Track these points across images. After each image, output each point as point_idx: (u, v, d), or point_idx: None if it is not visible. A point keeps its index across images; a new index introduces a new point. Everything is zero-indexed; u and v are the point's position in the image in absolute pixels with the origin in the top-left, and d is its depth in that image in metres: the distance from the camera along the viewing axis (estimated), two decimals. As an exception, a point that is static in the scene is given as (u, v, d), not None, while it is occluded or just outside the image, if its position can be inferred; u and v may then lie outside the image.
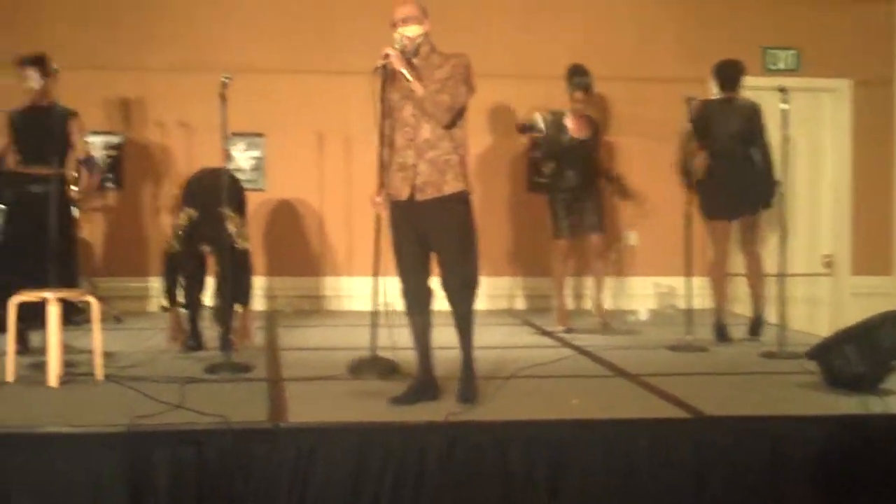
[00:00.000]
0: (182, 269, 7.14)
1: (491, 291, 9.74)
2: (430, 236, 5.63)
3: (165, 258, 7.17)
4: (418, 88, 5.54)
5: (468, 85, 5.62)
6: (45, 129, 6.86)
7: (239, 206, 7.21)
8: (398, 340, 6.25)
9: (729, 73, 8.20)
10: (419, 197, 5.58)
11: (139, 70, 9.50)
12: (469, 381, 5.74)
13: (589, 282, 9.36)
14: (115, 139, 9.63)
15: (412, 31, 5.64)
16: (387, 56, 5.59)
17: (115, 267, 9.47)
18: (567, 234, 8.51)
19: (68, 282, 6.91)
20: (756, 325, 8.06)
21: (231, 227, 6.83)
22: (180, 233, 7.03)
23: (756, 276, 8.17)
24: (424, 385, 5.77)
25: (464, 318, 5.71)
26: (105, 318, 8.39)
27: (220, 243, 6.83)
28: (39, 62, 7.14)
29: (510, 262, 10.02)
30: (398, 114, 5.67)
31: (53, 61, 7.06)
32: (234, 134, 9.49)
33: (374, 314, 6.59)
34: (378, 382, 6.13)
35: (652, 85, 9.93)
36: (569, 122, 8.55)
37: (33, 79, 7.16)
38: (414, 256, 5.68)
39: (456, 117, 5.62)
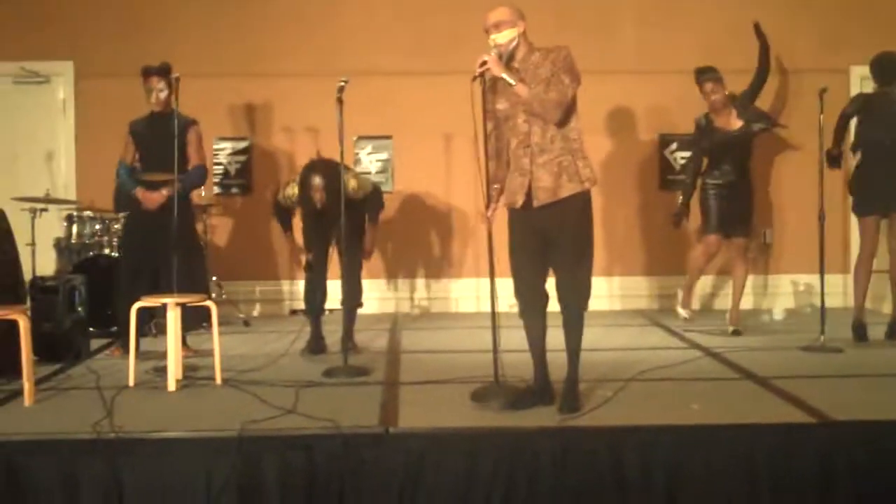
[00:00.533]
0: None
1: (622, 291, 9.59)
2: (548, 240, 5.49)
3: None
4: (523, 91, 5.38)
5: (572, 75, 5.42)
6: (166, 137, 6.93)
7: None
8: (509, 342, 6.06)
9: (887, 66, 7.86)
10: (535, 203, 5.44)
11: (265, 76, 9.60)
12: (571, 391, 5.58)
13: (728, 284, 9.07)
14: (242, 144, 9.73)
15: (504, 36, 5.46)
16: (484, 64, 5.41)
17: (243, 271, 9.58)
18: (717, 230, 8.26)
19: (194, 286, 6.96)
20: (895, 328, 7.71)
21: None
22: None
23: None
24: (540, 390, 5.64)
25: (572, 323, 5.56)
26: (233, 322, 8.61)
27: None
28: (165, 72, 7.22)
29: (642, 262, 9.81)
30: (512, 122, 5.51)
31: (175, 69, 7.12)
32: (361, 137, 9.60)
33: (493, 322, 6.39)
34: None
35: (789, 77, 9.60)
36: (715, 118, 8.30)
37: (159, 89, 7.24)
38: (530, 260, 5.53)
39: (567, 113, 5.44)
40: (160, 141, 7.05)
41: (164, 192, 7.06)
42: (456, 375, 6.35)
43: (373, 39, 9.66)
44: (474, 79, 5.49)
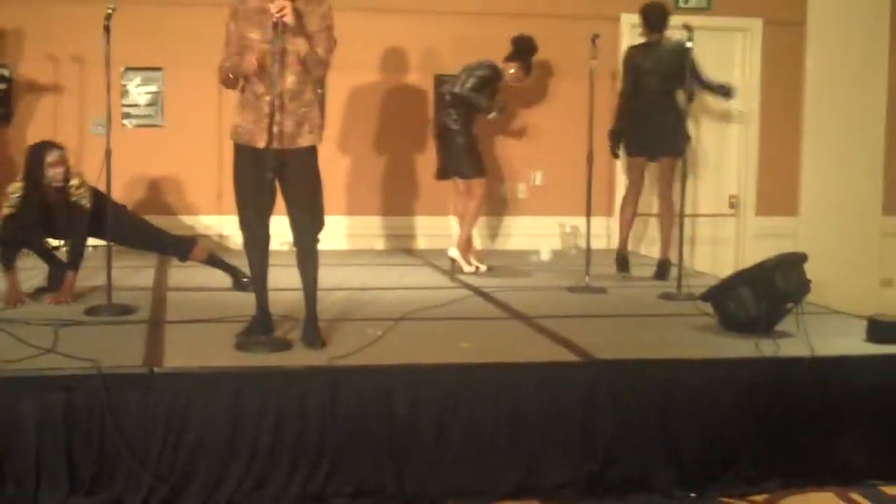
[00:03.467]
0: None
1: (388, 231, 9.65)
2: (280, 179, 5.47)
3: None
4: (304, 47, 5.36)
5: (333, 38, 5.51)
6: None
7: None
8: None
9: (656, 15, 8.13)
10: (274, 145, 5.37)
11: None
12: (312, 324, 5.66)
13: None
14: (3, 72, 9.25)
15: None
16: (282, 10, 5.21)
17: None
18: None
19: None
20: (662, 268, 8.01)
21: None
22: None
23: (667, 220, 8.11)
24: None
25: (308, 257, 5.64)
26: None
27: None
28: None
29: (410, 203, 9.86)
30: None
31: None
32: (129, 68, 9.27)
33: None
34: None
35: (560, 23, 9.74)
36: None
37: None
38: (258, 193, 5.49)
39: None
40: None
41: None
42: (223, 314, 6.23)
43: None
44: (275, 26, 5.27)
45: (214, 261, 7.37)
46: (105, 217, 6.54)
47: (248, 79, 5.48)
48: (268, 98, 5.36)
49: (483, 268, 8.26)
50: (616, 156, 8.54)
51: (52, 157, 6.57)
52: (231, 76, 5.52)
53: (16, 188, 6.63)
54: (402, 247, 9.61)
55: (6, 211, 6.63)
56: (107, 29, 6.34)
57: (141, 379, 4.88)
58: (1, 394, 4.74)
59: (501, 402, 5.11)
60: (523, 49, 8.52)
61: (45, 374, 4.84)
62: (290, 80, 5.41)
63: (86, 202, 6.66)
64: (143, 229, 7.23)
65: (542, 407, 5.14)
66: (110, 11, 6.30)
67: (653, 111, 8.06)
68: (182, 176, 9.45)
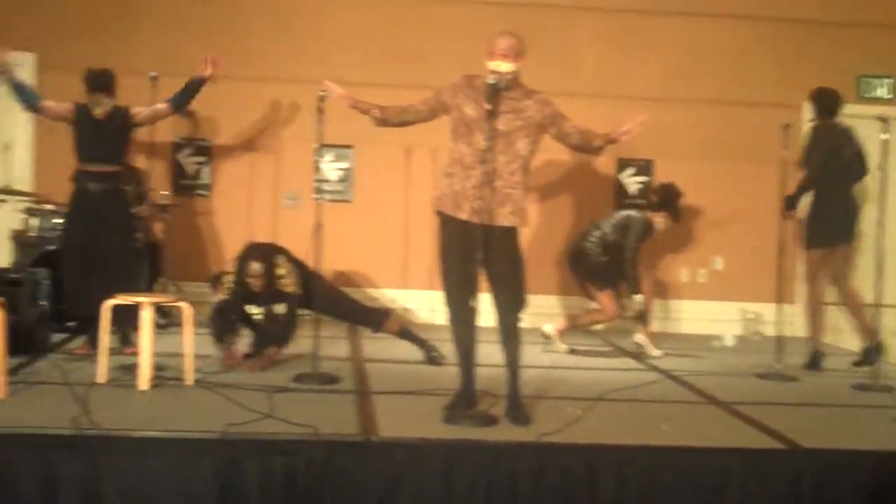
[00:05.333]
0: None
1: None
2: (483, 254, 5.58)
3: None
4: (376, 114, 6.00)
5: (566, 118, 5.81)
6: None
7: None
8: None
9: (830, 101, 8.04)
10: (475, 219, 5.55)
11: (230, 79, 9.54)
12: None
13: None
14: (203, 145, 9.71)
15: (508, 66, 5.59)
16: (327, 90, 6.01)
17: (200, 272, 9.54)
18: None
19: (129, 285, 6.90)
20: (869, 354, 7.85)
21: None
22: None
23: (857, 307, 7.99)
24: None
25: (510, 335, 5.76)
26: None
27: None
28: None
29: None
30: (480, 135, 5.60)
31: (138, 68, 7.07)
32: (323, 145, 9.60)
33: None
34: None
35: (745, 109, 9.82)
36: None
37: (103, 103, 7.22)
38: (462, 267, 5.62)
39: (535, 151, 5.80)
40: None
41: None
42: (424, 387, 6.42)
43: (340, 49, 9.70)
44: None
45: (406, 333, 7.57)
46: (311, 290, 6.87)
47: (457, 148, 5.70)
48: (475, 172, 5.55)
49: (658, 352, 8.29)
50: (788, 217, 8.35)
51: (251, 270, 6.95)
52: (379, 115, 6.00)
53: (228, 280, 7.05)
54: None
55: (220, 296, 7.06)
56: (319, 110, 6.65)
57: (358, 447, 5.06)
58: (224, 455, 4.95)
59: (705, 486, 5.13)
60: (669, 197, 8.55)
61: (268, 439, 5.05)
62: (500, 159, 5.59)
63: (293, 289, 6.99)
64: (343, 300, 7.54)
65: (746, 493, 5.14)
66: (323, 94, 6.60)
67: (829, 199, 7.93)
68: (369, 250, 9.72)
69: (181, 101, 7.47)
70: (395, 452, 5.04)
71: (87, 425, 5.01)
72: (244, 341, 7.27)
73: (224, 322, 7.05)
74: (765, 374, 7.46)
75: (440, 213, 5.78)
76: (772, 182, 7.92)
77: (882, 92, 10.19)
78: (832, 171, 7.89)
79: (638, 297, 8.17)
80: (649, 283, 8.54)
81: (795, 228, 8.25)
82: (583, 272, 8.44)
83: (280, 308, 7.08)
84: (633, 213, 8.42)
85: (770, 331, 8.02)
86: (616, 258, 8.22)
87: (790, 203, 8.00)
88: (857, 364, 7.84)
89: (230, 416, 5.34)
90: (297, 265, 7.09)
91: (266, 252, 7.07)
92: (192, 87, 7.48)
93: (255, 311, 7.32)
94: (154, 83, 6.95)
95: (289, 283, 6.99)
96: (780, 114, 8.35)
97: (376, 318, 7.62)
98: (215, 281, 7.21)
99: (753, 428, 5.78)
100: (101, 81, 7.22)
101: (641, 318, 8.32)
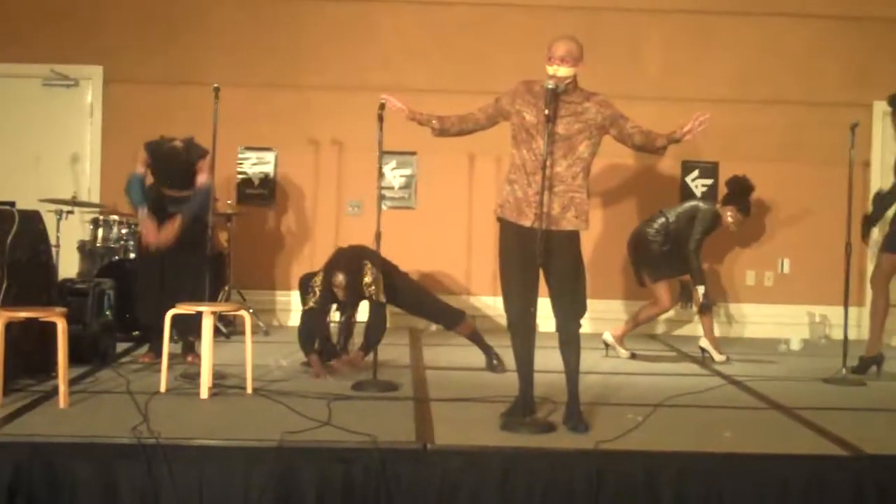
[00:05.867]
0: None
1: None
2: (543, 260, 5.54)
3: None
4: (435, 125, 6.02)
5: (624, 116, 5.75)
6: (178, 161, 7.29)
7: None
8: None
9: None
10: (535, 225, 5.52)
11: (293, 87, 9.69)
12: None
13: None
14: (267, 155, 9.79)
15: (566, 71, 5.55)
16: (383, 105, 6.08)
17: (264, 280, 9.65)
18: None
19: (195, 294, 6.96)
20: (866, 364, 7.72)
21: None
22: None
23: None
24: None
25: (571, 341, 5.73)
26: (253, 332, 8.64)
27: None
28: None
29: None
30: (541, 140, 5.54)
31: (203, 78, 7.16)
32: (386, 152, 9.64)
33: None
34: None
35: (813, 109, 9.70)
36: None
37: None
38: (522, 274, 5.60)
39: (594, 154, 5.75)
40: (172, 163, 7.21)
41: (169, 231, 7.12)
42: (483, 394, 6.42)
43: (400, 56, 9.76)
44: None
45: (476, 338, 7.58)
46: (395, 289, 7.25)
47: (518, 155, 5.69)
48: (537, 178, 5.54)
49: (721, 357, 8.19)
50: (866, 243, 8.29)
51: (336, 281, 7.04)
52: (438, 126, 5.99)
53: (317, 282, 7.13)
54: (644, 332, 9.61)
55: (309, 305, 7.15)
56: (380, 118, 6.72)
57: (415, 454, 5.06)
58: (284, 463, 4.98)
59: (767, 494, 5.06)
60: (740, 191, 8.43)
61: (326, 447, 5.08)
62: (561, 164, 5.57)
63: (379, 296, 7.07)
64: (426, 298, 7.70)
65: (808, 500, 5.06)
66: (384, 101, 6.61)
67: None
68: (433, 256, 9.74)
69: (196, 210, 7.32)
70: (451, 460, 5.04)
71: (146, 434, 5.06)
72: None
73: (309, 331, 7.14)
74: (830, 379, 7.35)
75: (502, 220, 5.78)
76: (840, 183, 7.79)
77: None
78: None
79: (702, 289, 8.09)
80: None
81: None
82: (641, 259, 8.37)
83: (366, 315, 7.13)
84: (701, 203, 8.34)
85: (837, 334, 7.87)
86: (676, 248, 8.14)
87: (870, 223, 7.90)
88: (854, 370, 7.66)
89: (289, 424, 5.37)
90: (384, 267, 7.18)
91: (352, 260, 7.14)
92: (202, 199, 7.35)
93: (340, 318, 7.38)
94: (216, 94, 7.00)
95: (375, 290, 7.05)
96: (850, 113, 8.26)
97: (454, 318, 7.64)
98: (303, 289, 7.29)
99: (816, 434, 5.69)
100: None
101: (706, 309, 8.22)
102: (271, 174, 9.81)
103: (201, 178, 7.25)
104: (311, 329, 7.15)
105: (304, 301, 7.25)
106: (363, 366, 6.98)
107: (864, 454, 5.23)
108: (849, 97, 9.60)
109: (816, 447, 5.42)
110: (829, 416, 6.12)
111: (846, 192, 7.59)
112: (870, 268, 9.37)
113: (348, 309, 7.20)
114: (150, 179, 7.39)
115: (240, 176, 9.77)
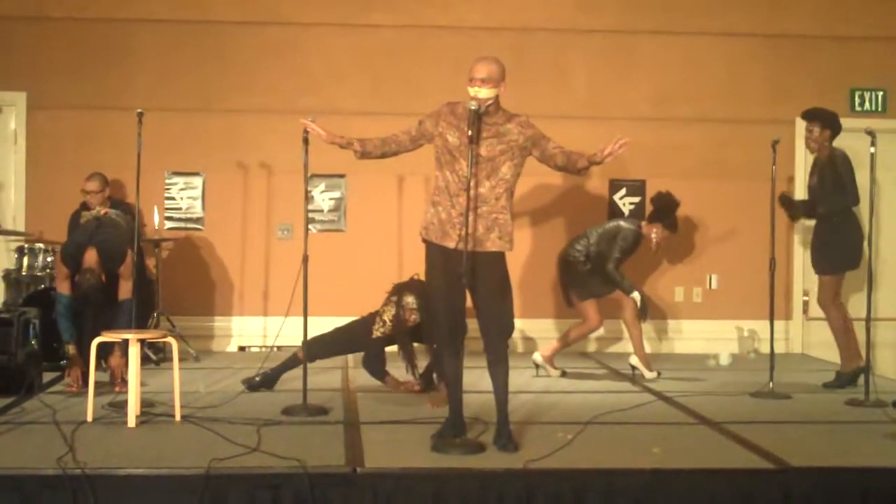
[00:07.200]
0: None
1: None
2: (468, 281, 5.55)
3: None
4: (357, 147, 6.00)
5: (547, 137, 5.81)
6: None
7: None
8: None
9: (839, 124, 7.91)
10: (459, 247, 5.54)
11: (220, 111, 9.64)
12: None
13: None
14: (195, 180, 9.73)
15: (486, 93, 5.58)
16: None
17: (193, 306, 9.56)
18: None
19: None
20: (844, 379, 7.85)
21: None
22: None
23: (850, 329, 7.89)
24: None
25: (499, 361, 5.73)
26: (184, 357, 8.57)
27: None
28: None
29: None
30: (464, 162, 5.60)
31: (129, 103, 7.12)
32: (314, 175, 9.64)
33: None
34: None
35: (737, 126, 9.83)
36: None
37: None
38: (449, 294, 5.65)
39: (519, 174, 5.81)
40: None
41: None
42: (413, 416, 6.41)
43: (327, 79, 9.74)
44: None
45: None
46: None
47: (442, 176, 5.71)
48: (461, 199, 5.55)
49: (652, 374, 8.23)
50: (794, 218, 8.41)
51: (406, 302, 7.27)
52: (359, 149, 5.99)
53: (388, 316, 7.29)
54: (576, 350, 9.64)
55: (378, 333, 7.23)
56: (305, 141, 6.69)
57: (345, 478, 5.06)
58: (212, 491, 4.95)
59: (696, 510, 5.12)
60: (665, 207, 8.44)
61: (254, 473, 5.04)
62: (485, 185, 5.60)
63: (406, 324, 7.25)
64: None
65: (736, 514, 5.13)
66: (313, 120, 6.58)
67: (849, 225, 7.84)
68: (364, 278, 9.69)
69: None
70: (382, 483, 5.04)
71: (71, 465, 5.00)
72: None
73: (377, 357, 7.26)
74: (757, 393, 7.43)
75: (427, 242, 5.79)
76: (764, 199, 7.92)
77: (873, 105, 10.15)
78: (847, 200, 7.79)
79: (636, 295, 8.14)
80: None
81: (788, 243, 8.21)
82: (568, 280, 8.40)
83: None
84: (623, 223, 8.36)
85: (767, 348, 7.96)
86: (600, 268, 8.18)
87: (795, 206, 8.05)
88: (827, 385, 7.83)
89: (217, 451, 5.33)
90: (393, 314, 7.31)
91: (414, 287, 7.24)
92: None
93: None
94: (140, 119, 6.95)
95: (415, 319, 7.18)
96: (773, 130, 8.35)
97: None
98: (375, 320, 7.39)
99: (744, 448, 5.76)
100: None
101: (644, 313, 8.24)
102: (199, 199, 9.74)
103: (124, 291, 7.08)
104: (380, 356, 7.25)
105: (371, 332, 7.28)
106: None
107: (790, 466, 5.31)
108: (771, 114, 9.74)
109: (744, 461, 5.49)
110: (756, 429, 6.20)
111: (770, 207, 7.71)
112: (797, 281, 9.60)
113: (407, 339, 7.25)
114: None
115: (168, 201, 9.69)
